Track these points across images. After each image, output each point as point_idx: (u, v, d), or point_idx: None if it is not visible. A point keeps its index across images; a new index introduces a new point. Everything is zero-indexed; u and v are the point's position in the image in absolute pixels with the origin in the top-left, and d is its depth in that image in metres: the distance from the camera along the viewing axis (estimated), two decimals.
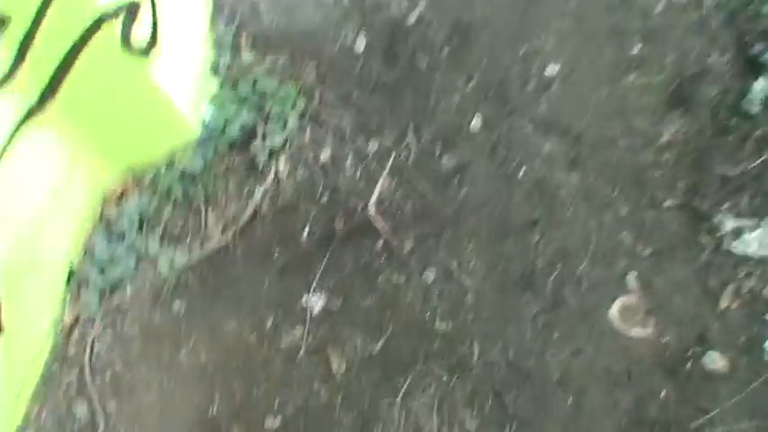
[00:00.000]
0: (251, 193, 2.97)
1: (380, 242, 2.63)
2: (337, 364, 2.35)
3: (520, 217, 2.55)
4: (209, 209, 2.97)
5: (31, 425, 2.54)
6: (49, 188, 2.83)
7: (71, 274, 2.88)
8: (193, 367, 2.52)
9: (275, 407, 2.33)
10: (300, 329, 2.50)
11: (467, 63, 3.08)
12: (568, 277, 2.35)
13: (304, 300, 2.57)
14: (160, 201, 3.02)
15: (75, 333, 2.72)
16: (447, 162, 2.81)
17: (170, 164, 3.12)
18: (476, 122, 2.92)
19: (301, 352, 2.44)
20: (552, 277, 2.37)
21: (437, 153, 2.84)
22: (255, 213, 2.89)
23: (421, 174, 2.78)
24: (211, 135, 3.16)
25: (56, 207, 2.85)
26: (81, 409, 2.53)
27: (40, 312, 2.74)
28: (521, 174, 2.66)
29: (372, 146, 2.99)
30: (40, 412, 2.57)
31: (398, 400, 2.22)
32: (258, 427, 2.31)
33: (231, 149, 3.14)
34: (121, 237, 2.92)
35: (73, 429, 2.49)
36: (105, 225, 2.99)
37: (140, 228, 2.94)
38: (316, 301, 2.57)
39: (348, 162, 2.97)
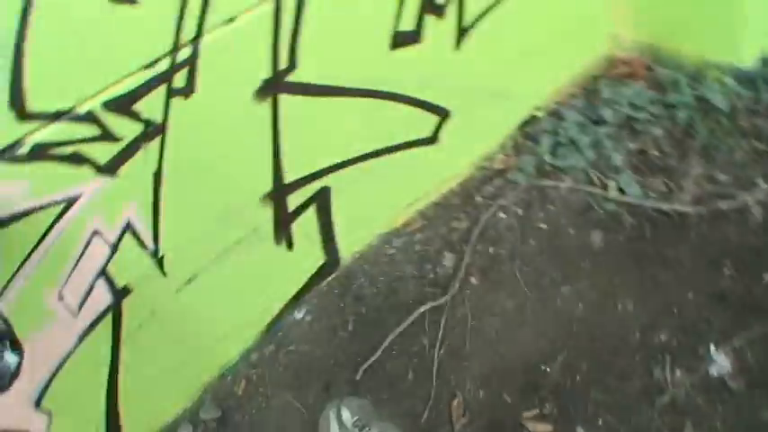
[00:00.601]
0: (751, 182, 2.39)
1: None
2: None
3: None
4: (699, 160, 2.47)
5: (410, 234, 2.56)
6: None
7: (528, 123, 2.68)
8: (564, 311, 2.24)
9: (592, 423, 2.07)
10: (683, 376, 2.12)
11: None
12: None
13: (711, 348, 2.17)
14: (658, 110, 2.56)
15: (491, 186, 2.59)
16: None
17: (696, 77, 2.56)
18: None
19: (662, 399, 2.11)
20: None
21: None
22: (734, 209, 2.34)
23: None
24: (764, 77, 2.50)
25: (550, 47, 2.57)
26: (449, 261, 2.43)
27: (483, 140, 2.66)
28: None
29: None
30: (419, 231, 2.57)
31: None
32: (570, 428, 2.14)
33: None
34: (595, 124, 2.58)
35: (431, 271, 2.44)
36: (588, 99, 2.66)
37: (620, 127, 2.56)
38: (720, 361, 2.15)
39: None
